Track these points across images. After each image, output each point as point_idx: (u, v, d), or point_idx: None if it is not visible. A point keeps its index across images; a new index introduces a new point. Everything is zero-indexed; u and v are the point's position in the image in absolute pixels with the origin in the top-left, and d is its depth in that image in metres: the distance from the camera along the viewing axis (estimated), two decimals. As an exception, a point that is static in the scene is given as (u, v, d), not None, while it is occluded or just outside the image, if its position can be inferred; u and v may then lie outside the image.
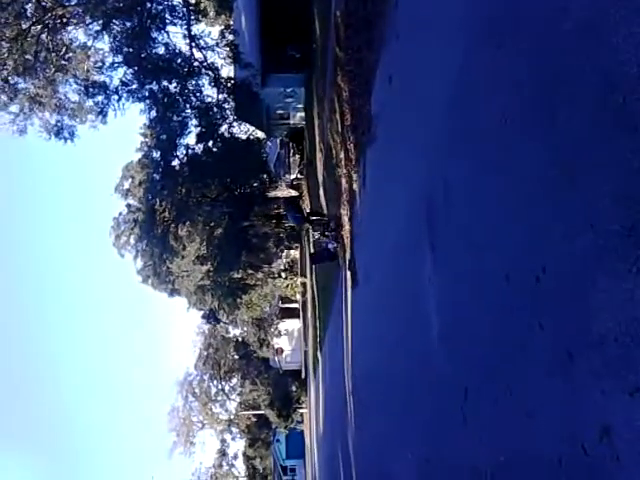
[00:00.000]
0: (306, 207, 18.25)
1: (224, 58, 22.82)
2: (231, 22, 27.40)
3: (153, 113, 21.48)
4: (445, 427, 4.86)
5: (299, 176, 33.21)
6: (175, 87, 21.30)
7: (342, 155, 13.17)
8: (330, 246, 15.31)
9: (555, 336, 2.80)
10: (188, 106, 22.00)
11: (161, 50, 21.38)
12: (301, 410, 38.36)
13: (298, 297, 38.08)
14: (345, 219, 13.05)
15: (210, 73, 22.52)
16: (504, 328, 3.52)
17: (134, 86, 21.34)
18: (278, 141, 36.03)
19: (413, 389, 6.08)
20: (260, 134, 32.66)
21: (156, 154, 26.32)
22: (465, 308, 4.28)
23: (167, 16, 22.26)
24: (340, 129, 13.42)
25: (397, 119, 6.98)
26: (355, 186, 11.36)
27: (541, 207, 3.06)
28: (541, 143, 3.09)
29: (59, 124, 19.94)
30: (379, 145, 8.38)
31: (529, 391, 3.08)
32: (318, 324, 24.65)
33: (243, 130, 29.04)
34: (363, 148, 9.98)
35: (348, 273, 12.48)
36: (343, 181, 13.20)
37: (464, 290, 4.30)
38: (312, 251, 18.43)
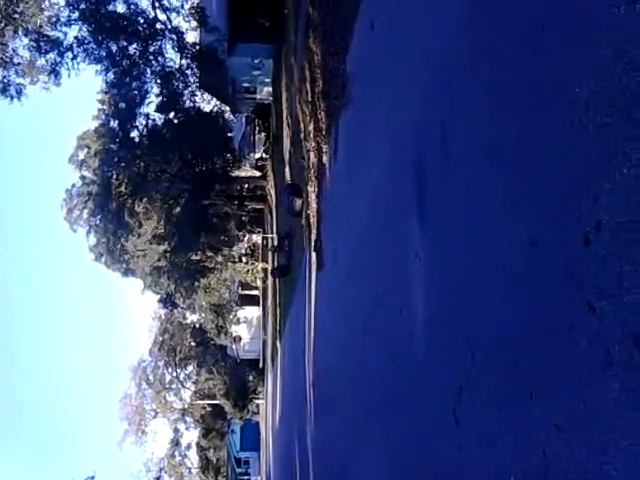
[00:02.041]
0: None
1: (189, 21, 21.35)
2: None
3: (111, 75, 19.91)
4: (430, 431, 3.88)
5: (264, 155, 31.88)
6: (135, 49, 19.75)
7: (311, 127, 12.08)
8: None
9: (614, 316, 1.87)
10: (149, 70, 20.48)
11: (121, 8, 19.80)
12: (257, 401, 37.31)
13: (259, 283, 36.86)
14: (312, 196, 11.97)
15: (174, 37, 21.02)
16: (528, 309, 2.54)
17: (91, 45, 19.72)
18: (244, 118, 34.51)
19: (389, 384, 5.08)
20: (225, 109, 31.22)
21: (114, 123, 24.69)
22: (467, 285, 3.27)
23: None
24: (310, 98, 12.30)
25: (380, 70, 5.91)
26: (325, 159, 10.29)
27: (595, 132, 2.05)
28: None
29: (5, 80, 18.20)
30: (355, 107, 7.30)
31: (562, 392, 2.13)
32: (278, 311, 23.59)
33: (207, 100, 27.49)
34: (336, 114, 8.91)
35: (313, 255, 11.44)
36: (311, 155, 12.13)
37: (467, 264, 3.28)
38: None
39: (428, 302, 3.98)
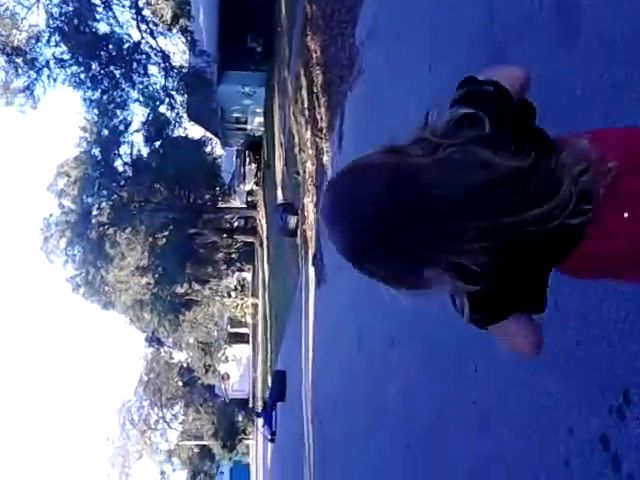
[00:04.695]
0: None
1: (176, 44, 20.57)
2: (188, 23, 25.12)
3: (91, 95, 18.88)
4: None
5: (254, 187, 30.88)
6: (117, 67, 18.83)
7: (308, 134, 11.08)
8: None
9: None
10: (132, 92, 19.53)
11: (104, 27, 18.97)
12: (247, 441, 35.30)
13: (248, 319, 35.40)
14: (309, 208, 10.86)
15: (160, 60, 20.15)
16: None
17: (70, 64, 18.77)
18: (234, 152, 33.57)
19: (432, 416, 3.79)
20: (214, 140, 30.31)
21: (96, 150, 23.59)
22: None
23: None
24: (307, 103, 11.32)
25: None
26: (325, 159, 9.22)
27: None
28: None
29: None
30: (369, 76, 6.25)
31: None
32: (269, 346, 22.14)
33: (194, 128, 26.60)
34: (341, 101, 7.88)
35: (311, 271, 10.22)
36: (308, 164, 11.09)
37: None
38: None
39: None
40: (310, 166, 10.88)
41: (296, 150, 13.24)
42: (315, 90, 10.13)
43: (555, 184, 0.99)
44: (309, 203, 10.76)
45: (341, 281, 7.36)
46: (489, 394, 3.25)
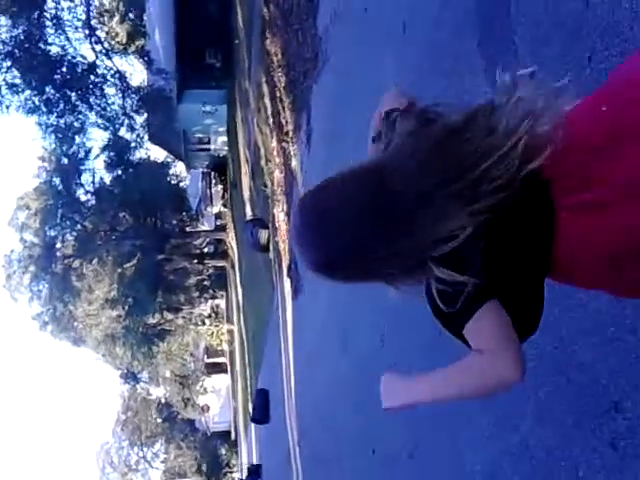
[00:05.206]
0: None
1: (132, 65, 20.07)
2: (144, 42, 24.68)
3: (45, 119, 18.20)
4: None
5: (222, 209, 30.31)
6: (73, 90, 18.22)
7: (274, 143, 10.67)
8: None
9: None
10: (90, 115, 18.91)
11: (57, 49, 18.37)
12: (232, 475, 34.13)
13: (225, 347, 34.51)
14: (280, 218, 10.39)
15: (117, 81, 19.61)
16: None
17: (25, 92, 18.09)
18: (200, 175, 32.97)
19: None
20: (178, 164, 29.71)
21: (56, 180, 22.79)
22: None
23: (66, 17, 19.36)
24: (270, 110, 10.94)
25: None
26: (294, 163, 8.80)
27: None
28: None
29: None
30: (333, 64, 5.86)
31: None
32: (249, 372, 21.41)
33: (157, 154, 26.00)
34: (307, 97, 7.50)
35: (286, 284, 9.71)
36: (276, 173, 10.66)
37: None
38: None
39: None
40: (278, 174, 10.45)
41: (262, 162, 12.82)
42: (278, 94, 9.74)
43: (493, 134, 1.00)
44: (280, 213, 10.30)
45: (319, 288, 6.88)
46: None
